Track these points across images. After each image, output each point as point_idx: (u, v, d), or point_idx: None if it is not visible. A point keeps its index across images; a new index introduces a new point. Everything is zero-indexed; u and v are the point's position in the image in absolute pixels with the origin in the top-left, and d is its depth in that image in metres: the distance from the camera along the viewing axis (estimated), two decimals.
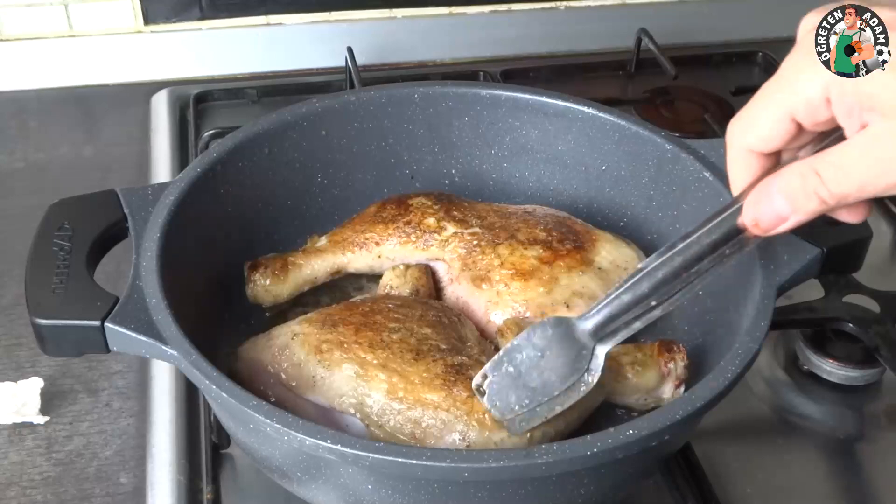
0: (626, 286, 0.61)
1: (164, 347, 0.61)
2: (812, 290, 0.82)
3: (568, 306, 0.74)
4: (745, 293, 0.67)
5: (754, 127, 0.57)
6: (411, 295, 0.75)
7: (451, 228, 0.78)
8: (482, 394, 0.62)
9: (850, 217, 0.58)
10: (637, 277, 0.61)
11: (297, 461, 0.61)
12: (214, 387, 0.58)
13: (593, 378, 0.63)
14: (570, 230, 0.78)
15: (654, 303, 0.61)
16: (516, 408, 0.62)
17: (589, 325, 0.63)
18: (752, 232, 0.58)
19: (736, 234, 0.59)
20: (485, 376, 0.63)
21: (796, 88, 0.54)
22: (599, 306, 0.62)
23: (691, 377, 0.70)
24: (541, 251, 0.75)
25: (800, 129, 0.55)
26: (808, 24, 0.54)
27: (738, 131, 0.58)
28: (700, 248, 0.60)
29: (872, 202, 0.56)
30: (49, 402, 0.78)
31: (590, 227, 0.79)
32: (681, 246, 0.60)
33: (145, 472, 0.73)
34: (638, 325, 0.62)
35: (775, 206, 0.56)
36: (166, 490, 0.71)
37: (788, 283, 0.67)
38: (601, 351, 0.63)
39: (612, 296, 0.62)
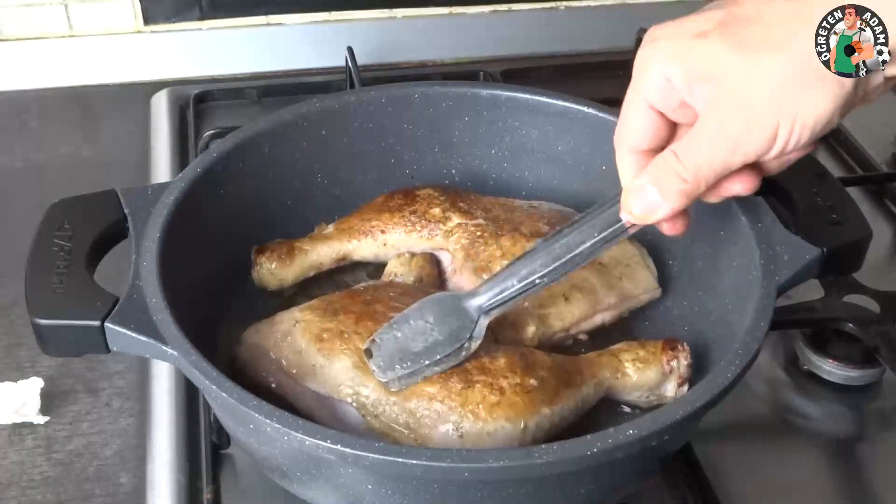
0: (513, 269, 0.66)
1: (164, 347, 0.61)
2: (812, 290, 0.82)
3: (566, 298, 0.74)
4: (745, 293, 0.67)
5: (625, 125, 0.61)
6: (415, 283, 0.75)
7: (455, 219, 0.78)
8: (370, 355, 0.65)
9: (671, 228, 0.62)
10: (524, 261, 0.66)
11: (297, 461, 0.61)
12: (214, 387, 0.58)
13: (474, 345, 0.66)
14: None
15: (537, 282, 0.66)
16: (398, 368, 0.64)
17: (477, 301, 0.67)
18: (628, 220, 0.62)
19: (617, 223, 0.63)
20: (374, 340, 0.66)
21: (642, 78, 0.58)
22: (489, 285, 0.67)
23: (691, 377, 0.70)
24: None
25: (666, 119, 0.59)
26: (652, 30, 0.60)
27: (617, 133, 0.62)
28: (583, 237, 0.65)
29: (691, 215, 0.62)
30: (49, 402, 0.78)
31: None
32: (566, 233, 0.65)
33: (145, 472, 0.73)
34: (521, 298, 0.67)
35: (646, 193, 0.59)
36: (166, 490, 0.71)
37: (788, 283, 0.67)
38: (484, 321, 0.67)
39: (501, 277, 0.67)
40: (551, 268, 0.65)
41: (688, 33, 0.56)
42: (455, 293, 0.69)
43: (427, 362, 0.65)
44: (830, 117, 0.54)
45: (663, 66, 0.57)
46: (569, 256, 0.65)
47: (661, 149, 0.59)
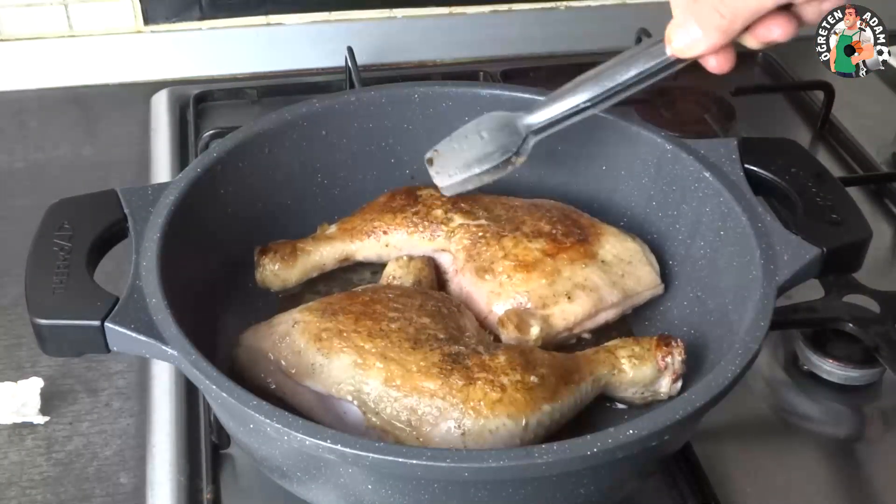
0: (562, 93, 0.73)
1: (164, 347, 0.61)
2: (812, 290, 0.82)
3: (569, 298, 0.74)
4: (745, 293, 0.67)
5: None
6: (413, 286, 0.75)
7: (457, 220, 0.79)
8: (430, 163, 0.76)
9: (717, 64, 0.66)
10: (573, 87, 0.72)
11: (297, 461, 0.61)
12: (214, 387, 0.58)
13: (520, 160, 0.75)
14: (574, 223, 0.78)
15: (583, 106, 0.72)
16: (451, 172, 0.75)
17: (528, 120, 0.74)
18: (671, 52, 0.67)
19: (661, 56, 0.68)
20: (436, 150, 0.76)
21: None
22: (539, 107, 0.74)
23: (690, 377, 0.70)
24: (544, 244, 0.76)
25: None
26: None
27: None
28: (629, 69, 0.70)
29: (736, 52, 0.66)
30: (49, 402, 0.78)
31: (595, 220, 0.80)
32: (613, 65, 0.71)
33: (145, 472, 0.73)
34: (568, 122, 0.73)
35: (687, 26, 0.64)
36: (166, 490, 0.71)
37: (788, 283, 0.67)
38: (532, 140, 0.74)
39: (551, 99, 0.73)
40: (597, 93, 0.71)
41: None
42: (508, 113, 0.76)
43: (478, 171, 0.74)
44: None
45: None
46: (614, 84, 0.70)
47: None
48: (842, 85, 1.05)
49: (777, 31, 0.62)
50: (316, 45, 1.17)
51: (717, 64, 0.66)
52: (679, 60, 0.67)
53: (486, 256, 0.76)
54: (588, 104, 0.71)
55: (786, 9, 0.61)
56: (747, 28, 0.63)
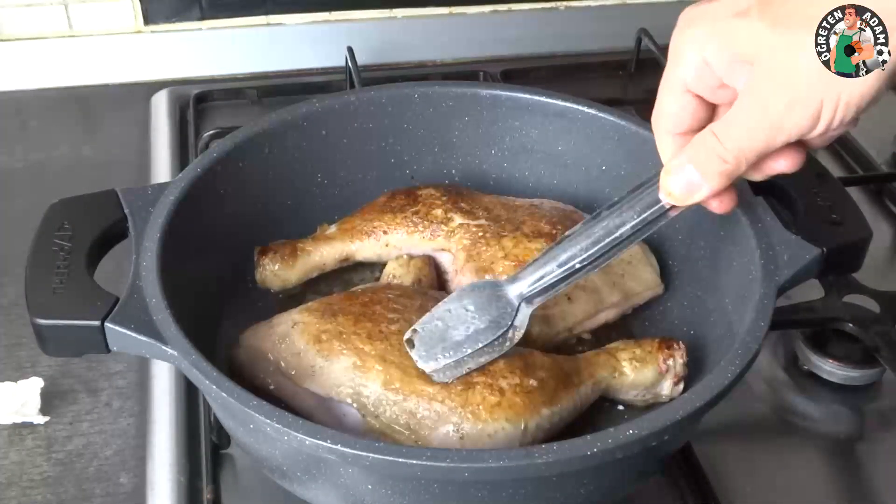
0: (553, 253, 0.66)
1: (164, 347, 0.61)
2: (812, 290, 0.82)
3: (569, 298, 0.74)
4: (745, 293, 0.67)
5: (661, 110, 0.61)
6: (413, 285, 0.75)
7: (457, 219, 0.78)
8: (411, 345, 0.65)
9: (719, 206, 0.61)
10: (562, 244, 0.66)
11: (297, 461, 0.61)
12: (214, 387, 0.58)
13: (517, 334, 0.66)
14: (574, 224, 0.78)
15: (577, 266, 0.65)
16: (440, 358, 0.64)
17: (516, 287, 0.67)
18: (667, 202, 0.61)
19: (657, 205, 0.62)
20: (415, 331, 0.66)
21: (679, 62, 0.58)
22: (528, 271, 0.66)
23: (691, 377, 0.70)
24: (544, 244, 0.76)
25: (704, 101, 0.59)
26: (687, 12, 0.58)
27: (654, 120, 0.62)
28: (623, 220, 0.64)
29: (738, 195, 0.61)
30: (49, 402, 0.78)
31: None
32: (605, 216, 0.64)
33: (145, 472, 0.73)
34: (563, 286, 0.66)
35: (685, 174, 0.59)
36: (166, 490, 0.71)
37: (788, 283, 0.67)
38: (527, 310, 0.66)
39: (541, 262, 0.66)
40: (591, 252, 0.64)
41: (727, 12, 0.55)
42: (495, 280, 0.69)
43: (469, 351, 0.64)
44: (877, 92, 0.52)
45: (702, 49, 0.56)
46: (609, 240, 0.64)
47: (700, 129, 0.59)
48: None
49: (783, 164, 0.58)
50: (316, 45, 1.17)
51: (719, 205, 0.61)
52: (676, 207, 0.62)
53: (487, 256, 0.76)
54: (583, 264, 0.65)
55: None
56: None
